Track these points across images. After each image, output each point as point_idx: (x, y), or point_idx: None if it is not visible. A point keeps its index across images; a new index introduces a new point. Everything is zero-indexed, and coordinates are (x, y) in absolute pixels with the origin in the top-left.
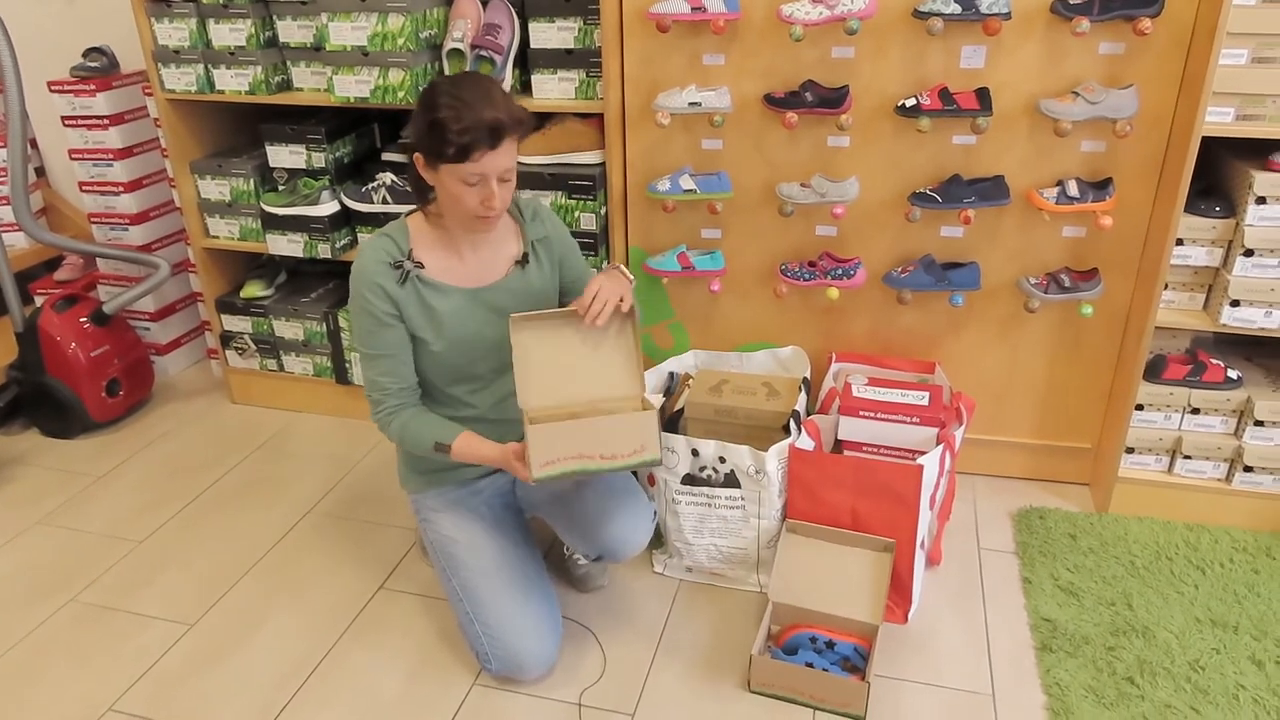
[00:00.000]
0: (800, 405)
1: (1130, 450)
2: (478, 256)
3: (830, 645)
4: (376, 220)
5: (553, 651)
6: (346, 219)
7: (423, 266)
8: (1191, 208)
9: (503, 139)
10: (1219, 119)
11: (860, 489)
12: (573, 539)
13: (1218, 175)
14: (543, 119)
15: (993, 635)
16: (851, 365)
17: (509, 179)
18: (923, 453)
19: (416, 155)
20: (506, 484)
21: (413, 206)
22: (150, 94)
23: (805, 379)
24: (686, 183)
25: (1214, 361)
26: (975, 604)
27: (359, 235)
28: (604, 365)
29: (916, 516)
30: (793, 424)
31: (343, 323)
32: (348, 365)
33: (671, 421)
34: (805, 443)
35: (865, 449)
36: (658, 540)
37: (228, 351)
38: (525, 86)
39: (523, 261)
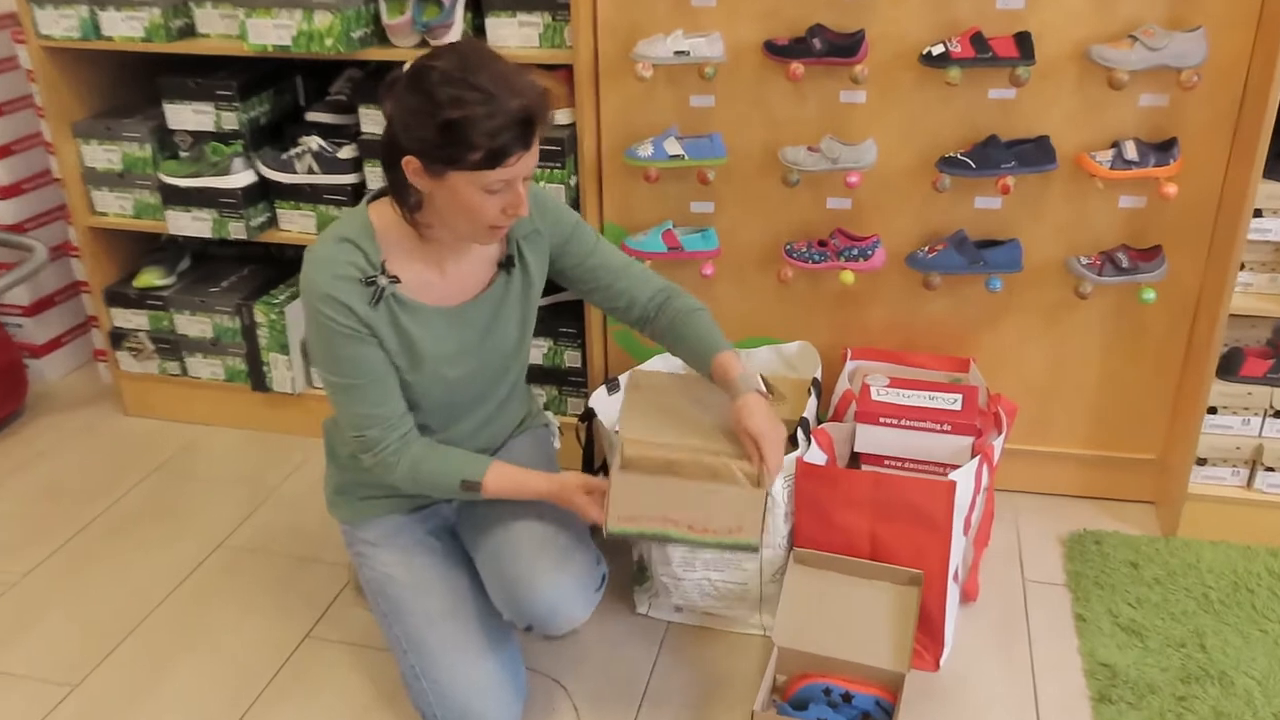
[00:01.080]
0: (810, 412)
1: (1202, 462)
2: (460, 268)
3: (847, 698)
4: (300, 194)
5: (515, 712)
6: (264, 192)
7: (398, 281)
8: (1272, 172)
9: (535, 133)
10: None
11: (881, 510)
12: (496, 599)
13: None
14: None
15: (1040, 684)
16: (870, 364)
17: (531, 175)
18: (956, 466)
19: (409, 159)
20: (452, 512)
21: (370, 191)
22: (22, 41)
23: (815, 380)
24: (672, 147)
25: None
26: (1019, 647)
27: (279, 212)
28: (720, 420)
29: (949, 543)
30: (800, 434)
31: (259, 317)
32: (266, 368)
33: None
34: (815, 456)
35: (887, 463)
36: (640, 575)
37: (119, 353)
38: (479, 32)
39: (507, 265)
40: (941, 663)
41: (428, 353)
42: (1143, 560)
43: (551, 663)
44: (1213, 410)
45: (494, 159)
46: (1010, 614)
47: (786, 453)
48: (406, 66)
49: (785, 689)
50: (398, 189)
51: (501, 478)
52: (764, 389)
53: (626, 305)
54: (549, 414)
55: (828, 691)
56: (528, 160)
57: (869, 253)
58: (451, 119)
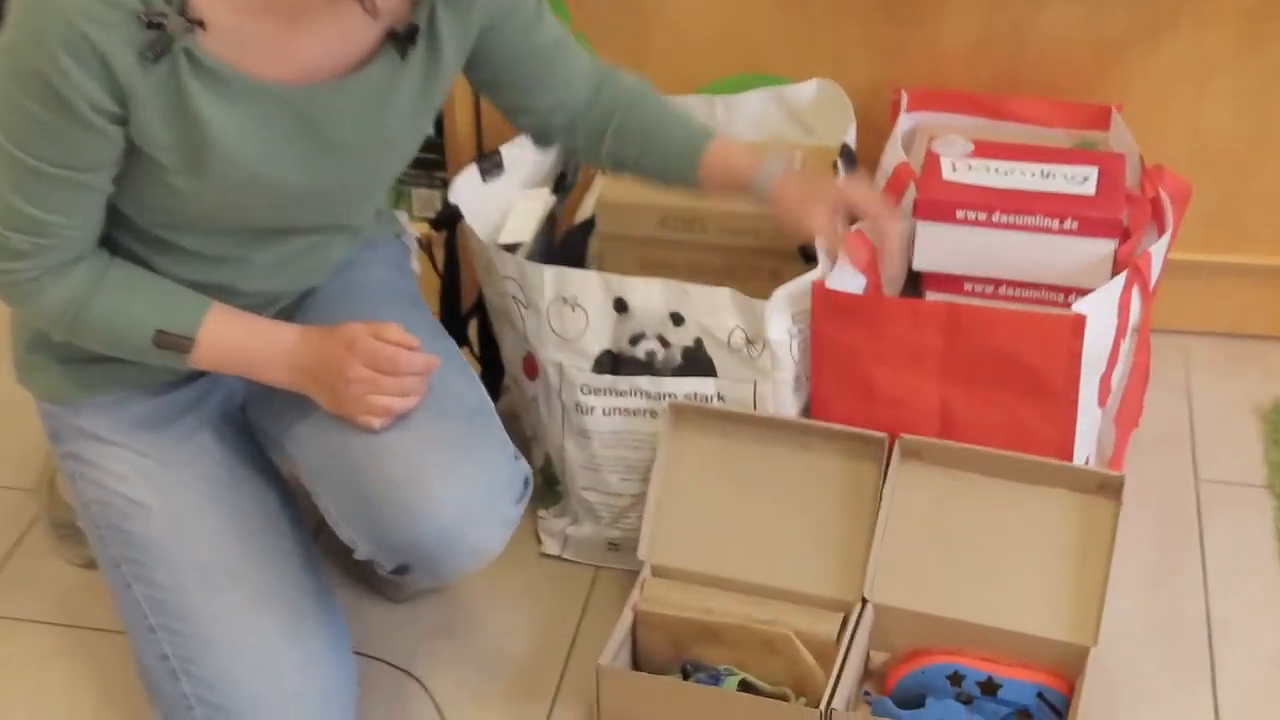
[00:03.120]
0: None
1: None
2: (320, 30)
3: (990, 689)
4: None
5: None
6: None
7: (200, 29)
8: None
9: None
10: None
11: (958, 367)
12: (345, 524)
13: None
14: None
15: (1223, 648)
16: (940, 117)
17: None
18: (1086, 291)
19: None
20: (239, 387)
21: None
22: None
23: (846, 148)
24: None
25: None
26: (1189, 587)
27: None
28: (803, 531)
29: (1072, 420)
30: (820, 241)
31: None
32: None
33: (575, 237)
34: (846, 278)
35: (968, 287)
36: (548, 493)
37: None
38: None
39: (403, 38)
40: None
41: (224, 151)
42: None
43: (401, 642)
44: None
45: None
46: (1177, 535)
47: (794, 274)
48: None
49: (885, 675)
50: None
51: (226, 332)
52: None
53: (552, 107)
54: (402, 217)
55: (957, 679)
56: None
57: None
58: None
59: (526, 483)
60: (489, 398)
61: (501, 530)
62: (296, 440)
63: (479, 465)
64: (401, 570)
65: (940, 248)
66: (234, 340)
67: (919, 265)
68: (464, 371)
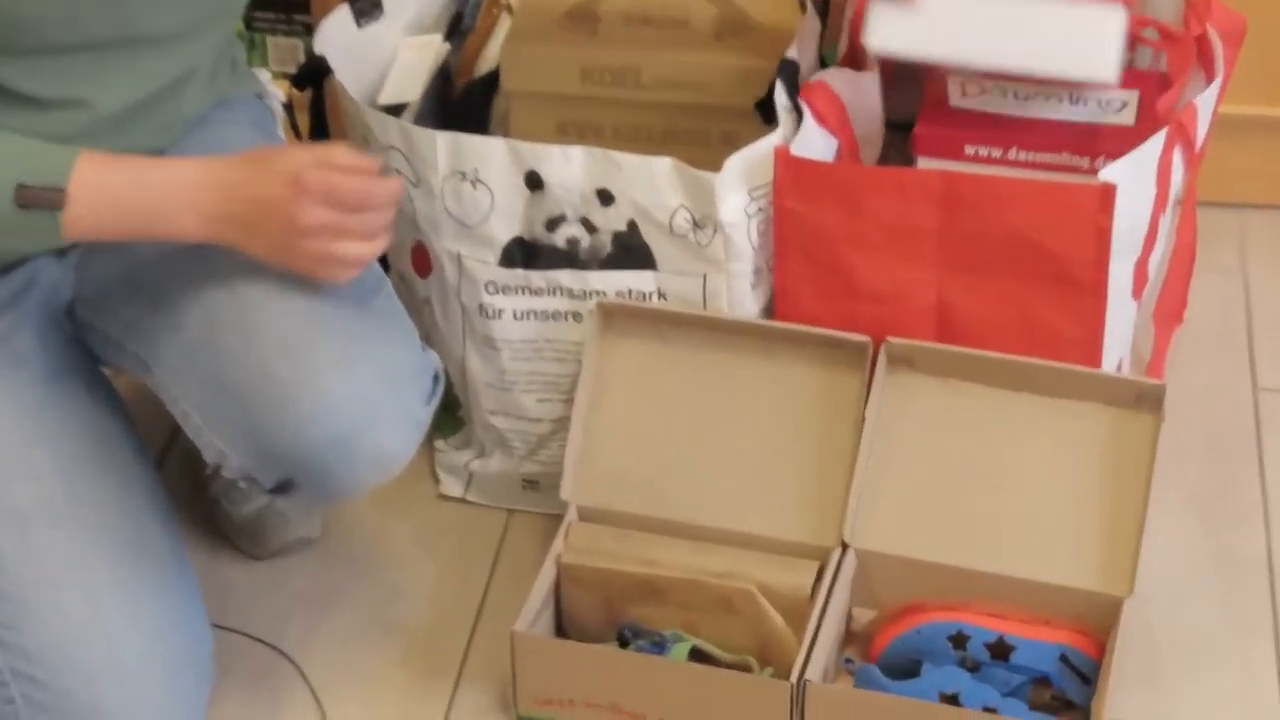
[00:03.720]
0: (800, 46)
1: None
2: None
3: (1000, 651)
4: None
5: (186, 706)
6: None
7: None
8: None
9: None
10: None
11: (958, 251)
12: (218, 433)
13: None
14: None
15: None
16: None
17: None
18: (1116, 154)
19: None
20: (65, 281)
21: None
22: None
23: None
24: None
25: None
26: (1246, 521)
27: None
28: (767, 461)
29: (1100, 316)
30: (780, 95)
31: None
32: None
33: (475, 95)
34: (814, 141)
35: (969, 150)
36: (448, 420)
37: None
38: None
39: None
40: None
41: None
42: None
43: (266, 615)
44: None
45: None
46: (1230, 457)
47: (750, 139)
48: None
49: (871, 638)
50: None
51: (116, 175)
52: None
53: None
54: (264, 76)
55: (960, 640)
56: None
57: None
58: None
59: (436, 378)
60: (387, 277)
61: (409, 433)
62: (145, 336)
63: (380, 354)
64: (284, 488)
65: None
66: (119, 188)
67: (877, 45)
68: None
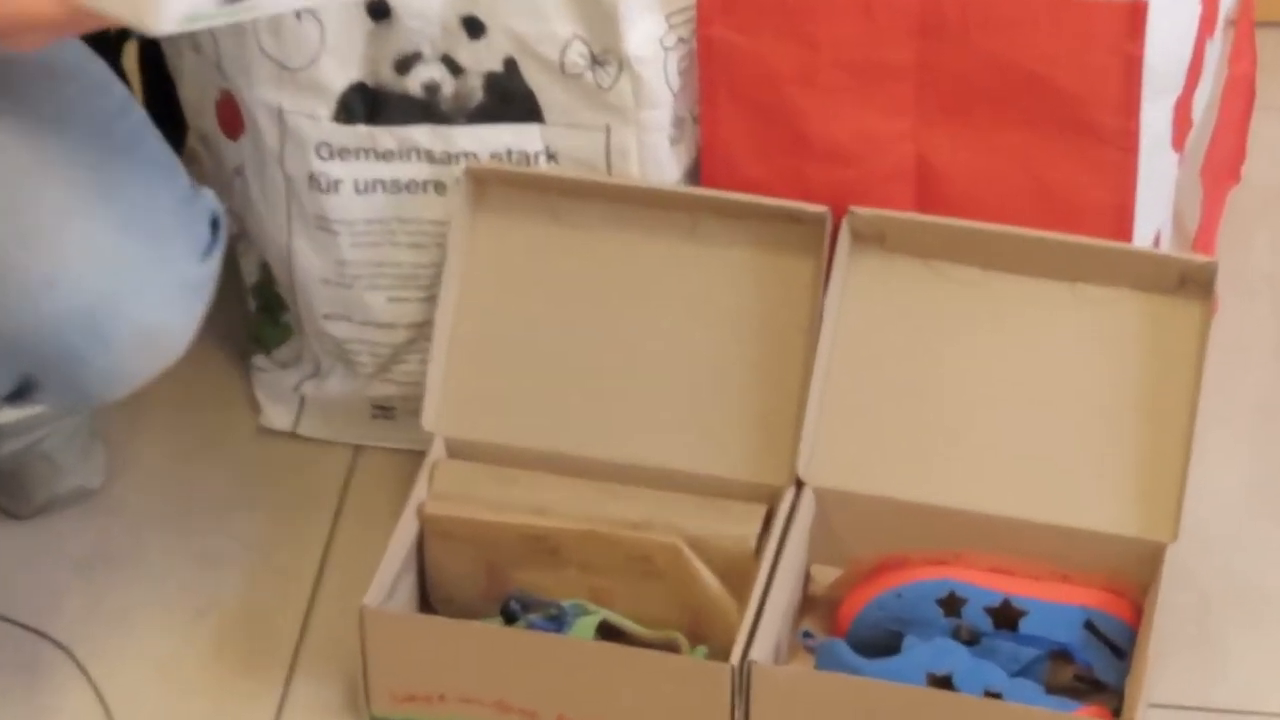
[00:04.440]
0: None
1: None
2: None
3: (1004, 618)
4: None
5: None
6: None
7: None
8: None
9: None
10: None
11: (943, 92)
12: None
13: None
14: None
15: None
16: None
17: None
18: None
19: None
20: None
21: None
22: None
23: None
24: None
25: None
26: None
27: None
28: (694, 376)
29: (1131, 175)
30: None
31: None
32: None
33: None
34: None
35: None
36: (270, 327)
37: None
38: None
39: None
40: None
41: None
42: None
43: (33, 592)
44: None
45: None
46: None
47: None
48: None
49: (837, 604)
50: None
51: None
52: None
53: None
54: None
55: (953, 604)
56: None
57: None
58: None
59: (216, 224)
60: (134, 98)
61: (181, 300)
62: None
63: (132, 198)
64: (25, 392)
65: None
66: None
67: None
68: (103, 71)
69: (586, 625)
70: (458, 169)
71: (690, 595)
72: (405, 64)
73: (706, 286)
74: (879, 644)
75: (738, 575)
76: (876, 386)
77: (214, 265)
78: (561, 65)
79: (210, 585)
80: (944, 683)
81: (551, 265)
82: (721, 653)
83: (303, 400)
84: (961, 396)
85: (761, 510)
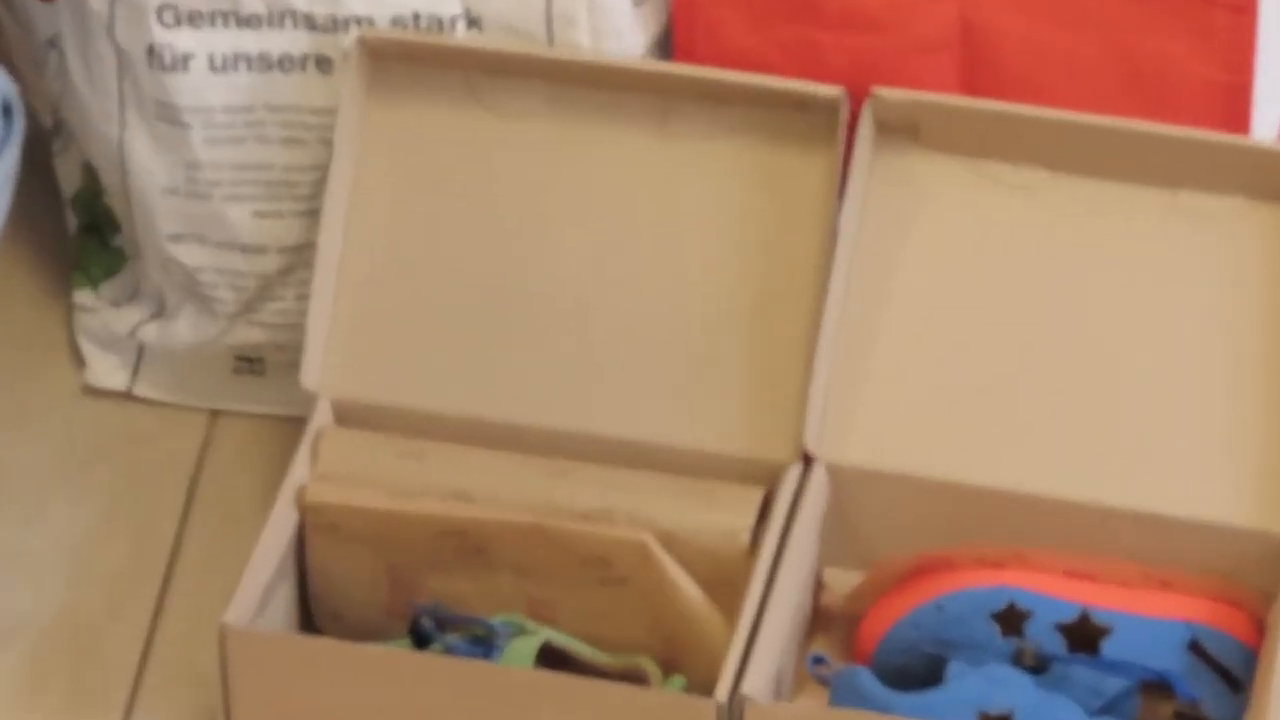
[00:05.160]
0: None
1: None
2: None
3: (1084, 638)
4: None
5: None
6: None
7: None
8: None
9: None
10: None
11: None
12: None
13: None
14: None
15: None
16: None
17: None
18: None
19: None
20: None
21: None
22: None
23: None
24: None
25: None
26: None
27: None
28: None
29: (1248, 43)
30: None
31: None
32: None
33: None
34: None
35: None
36: (96, 251)
37: None
38: None
39: None
40: None
41: None
42: None
43: None
44: None
45: None
46: None
47: None
48: None
49: (859, 620)
50: None
51: None
52: None
53: None
54: None
55: (1013, 619)
56: None
57: None
58: None
59: (8, 111)
60: None
61: None
62: None
63: None
64: None
65: None
66: None
67: None
68: None
69: (523, 649)
70: (347, 39)
71: (662, 609)
72: None
73: (682, 195)
74: (914, 673)
75: (726, 582)
76: (908, 330)
77: (11, 161)
78: None
79: (21, 599)
80: None
81: (474, 169)
82: (704, 685)
83: (141, 350)
84: (1020, 343)
85: (758, 495)
